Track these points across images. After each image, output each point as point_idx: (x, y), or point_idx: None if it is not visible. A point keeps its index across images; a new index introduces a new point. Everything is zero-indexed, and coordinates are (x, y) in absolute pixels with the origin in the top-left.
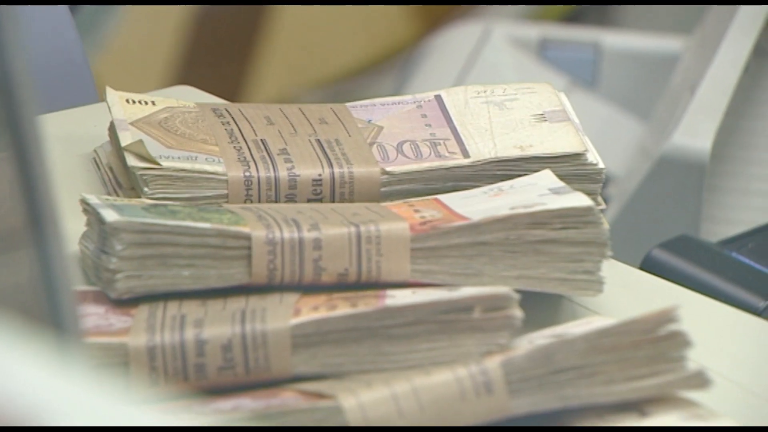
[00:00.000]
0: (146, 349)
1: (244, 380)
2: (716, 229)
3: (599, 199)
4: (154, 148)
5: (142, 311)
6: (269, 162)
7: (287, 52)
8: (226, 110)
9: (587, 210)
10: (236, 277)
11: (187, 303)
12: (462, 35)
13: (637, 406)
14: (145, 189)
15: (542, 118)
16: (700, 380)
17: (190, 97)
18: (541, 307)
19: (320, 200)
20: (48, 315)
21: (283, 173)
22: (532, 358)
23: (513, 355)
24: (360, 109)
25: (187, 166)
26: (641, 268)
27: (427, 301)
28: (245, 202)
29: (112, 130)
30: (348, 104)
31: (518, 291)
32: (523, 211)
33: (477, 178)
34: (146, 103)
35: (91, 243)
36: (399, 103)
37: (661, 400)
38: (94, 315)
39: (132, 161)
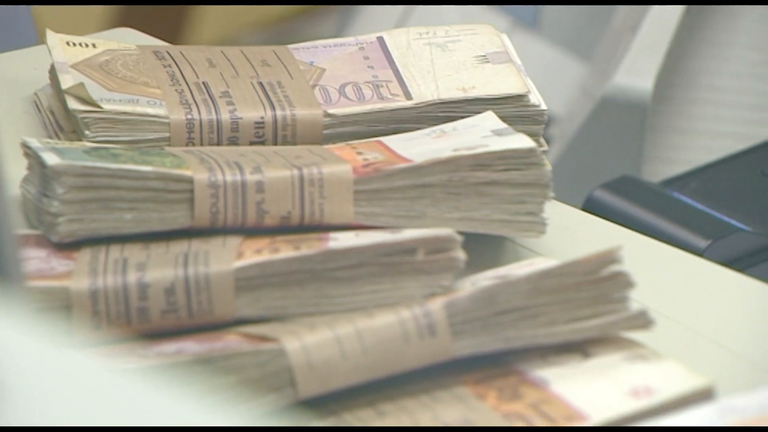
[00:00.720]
0: (89, 293)
1: (188, 323)
2: (658, 169)
3: (541, 140)
4: (95, 90)
5: (84, 255)
6: (211, 105)
7: None
8: (168, 53)
9: (529, 151)
10: (179, 220)
11: (129, 246)
12: None
13: (581, 346)
14: (87, 132)
15: (484, 59)
16: (643, 320)
17: (130, 40)
18: (484, 249)
19: (263, 143)
20: None
21: (225, 116)
22: (475, 299)
23: (456, 297)
24: (302, 51)
25: (129, 108)
26: (583, 209)
27: (370, 244)
28: (187, 145)
29: (53, 72)
30: (290, 46)
31: (461, 233)
32: (466, 152)
33: (419, 120)
34: (87, 45)
35: (32, 187)
36: (341, 45)
37: (604, 340)
38: (35, 259)
39: (73, 104)
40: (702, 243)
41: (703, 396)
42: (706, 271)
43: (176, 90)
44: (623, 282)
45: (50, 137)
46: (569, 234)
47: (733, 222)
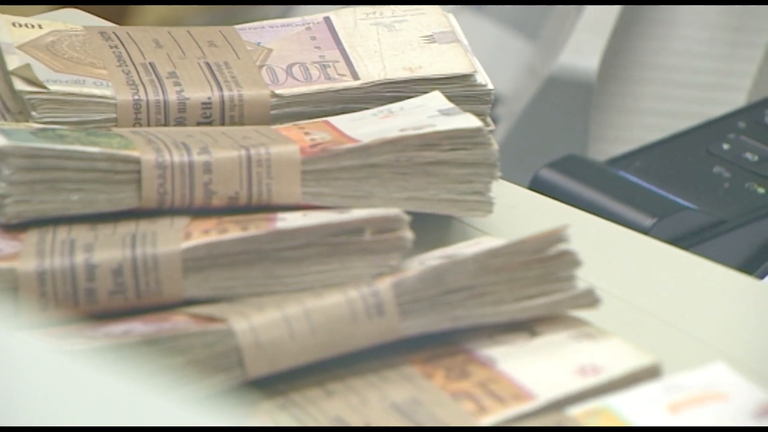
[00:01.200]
0: (36, 274)
1: (136, 304)
2: (604, 148)
3: (488, 119)
4: (41, 71)
5: (32, 236)
6: (158, 85)
7: None
8: (114, 33)
9: (476, 131)
10: (126, 201)
11: (76, 227)
12: None
13: (527, 325)
14: (33, 113)
15: (431, 39)
16: (590, 299)
17: (77, 21)
18: (432, 229)
19: (210, 123)
20: None
21: (172, 97)
22: (423, 279)
23: (404, 276)
24: (249, 32)
25: (75, 89)
26: (530, 188)
27: (317, 224)
28: (134, 125)
29: None
30: (237, 27)
31: (409, 212)
32: (413, 132)
33: (367, 100)
34: (33, 26)
35: None
36: (288, 26)
37: (551, 319)
38: None
39: (19, 85)
40: (648, 221)
41: (649, 374)
42: (652, 249)
43: (123, 71)
44: (570, 261)
45: None
46: (516, 213)
47: (679, 200)
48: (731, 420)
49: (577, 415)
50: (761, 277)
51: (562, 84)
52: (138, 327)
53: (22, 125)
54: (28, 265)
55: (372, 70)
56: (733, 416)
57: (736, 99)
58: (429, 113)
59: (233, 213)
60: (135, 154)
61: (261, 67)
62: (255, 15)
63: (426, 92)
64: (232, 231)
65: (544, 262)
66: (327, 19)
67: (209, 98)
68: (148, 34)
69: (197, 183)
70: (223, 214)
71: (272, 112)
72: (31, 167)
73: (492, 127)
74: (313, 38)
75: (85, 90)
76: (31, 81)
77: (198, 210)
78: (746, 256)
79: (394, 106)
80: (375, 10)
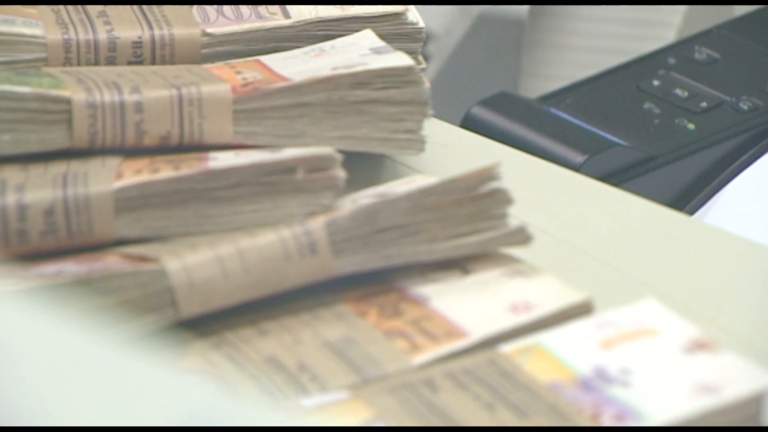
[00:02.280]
0: None
1: (68, 245)
2: (535, 84)
3: (420, 58)
4: None
5: None
6: (88, 25)
7: None
8: None
9: (408, 69)
10: (57, 141)
11: (7, 168)
12: None
13: (460, 263)
14: None
15: None
16: (522, 236)
17: None
18: (364, 167)
19: (141, 63)
20: None
21: (102, 36)
22: (356, 217)
23: (337, 215)
24: None
25: (5, 29)
26: (462, 126)
27: (249, 163)
28: (64, 65)
29: None
30: None
31: (341, 151)
32: (345, 71)
33: (298, 38)
34: None
35: None
36: None
37: (484, 257)
38: None
39: None
40: (579, 158)
41: (581, 310)
42: (583, 186)
43: (53, 10)
44: (502, 198)
45: None
46: (448, 151)
47: (609, 137)
48: (663, 355)
49: (509, 351)
50: (691, 212)
51: (493, 21)
52: (70, 267)
53: None
54: None
55: (303, 9)
56: (664, 351)
57: (666, 35)
58: (361, 52)
59: (165, 153)
60: (66, 94)
61: (192, 6)
62: None
63: (358, 31)
64: (164, 171)
65: (477, 199)
66: None
67: (140, 37)
68: None
69: (128, 123)
70: (155, 153)
71: (203, 51)
72: None
73: (423, 65)
74: None
75: (15, 29)
76: None
77: (130, 150)
78: (676, 192)
79: (326, 45)
80: None
